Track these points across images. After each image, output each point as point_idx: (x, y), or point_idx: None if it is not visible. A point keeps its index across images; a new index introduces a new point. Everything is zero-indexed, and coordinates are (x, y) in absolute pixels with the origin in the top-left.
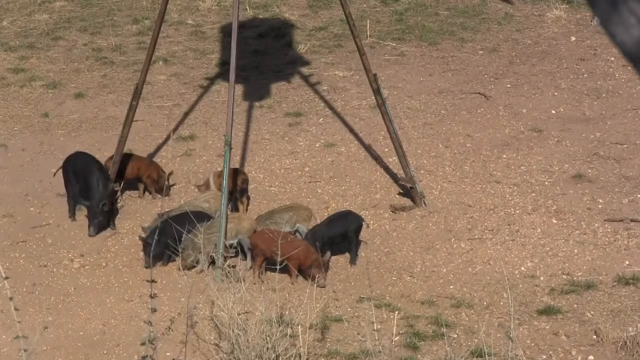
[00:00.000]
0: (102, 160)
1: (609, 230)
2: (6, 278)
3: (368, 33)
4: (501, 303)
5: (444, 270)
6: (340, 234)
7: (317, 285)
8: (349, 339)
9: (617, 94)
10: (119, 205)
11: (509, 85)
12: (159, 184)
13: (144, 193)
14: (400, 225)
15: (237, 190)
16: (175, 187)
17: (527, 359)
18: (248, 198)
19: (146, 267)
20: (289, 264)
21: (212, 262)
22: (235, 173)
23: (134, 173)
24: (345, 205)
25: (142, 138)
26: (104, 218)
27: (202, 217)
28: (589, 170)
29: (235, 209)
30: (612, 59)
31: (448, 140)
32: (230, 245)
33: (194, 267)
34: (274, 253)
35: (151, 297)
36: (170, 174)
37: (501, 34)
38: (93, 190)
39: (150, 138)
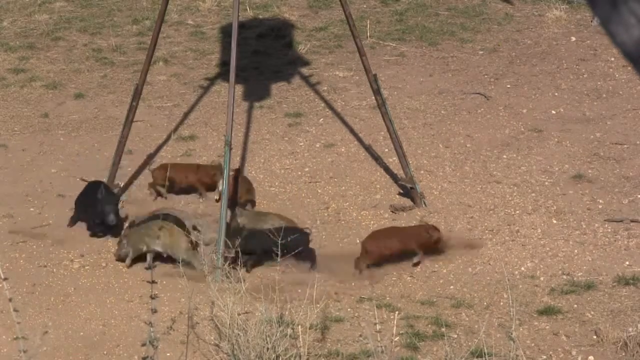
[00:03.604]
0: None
1: (609, 230)
2: (5, 279)
3: (368, 33)
4: (501, 303)
5: (444, 271)
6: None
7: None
8: (349, 339)
9: (617, 94)
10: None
11: (509, 86)
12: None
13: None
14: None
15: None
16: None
17: (527, 359)
18: (253, 204)
19: (147, 268)
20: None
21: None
22: (236, 181)
23: None
24: (345, 206)
25: (142, 139)
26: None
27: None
28: (589, 171)
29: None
30: (612, 59)
31: (448, 141)
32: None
33: (126, 258)
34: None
35: (152, 297)
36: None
37: (501, 34)
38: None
39: (150, 138)
